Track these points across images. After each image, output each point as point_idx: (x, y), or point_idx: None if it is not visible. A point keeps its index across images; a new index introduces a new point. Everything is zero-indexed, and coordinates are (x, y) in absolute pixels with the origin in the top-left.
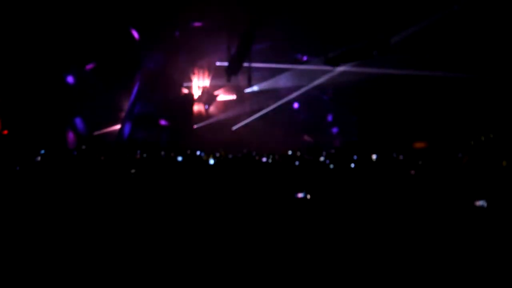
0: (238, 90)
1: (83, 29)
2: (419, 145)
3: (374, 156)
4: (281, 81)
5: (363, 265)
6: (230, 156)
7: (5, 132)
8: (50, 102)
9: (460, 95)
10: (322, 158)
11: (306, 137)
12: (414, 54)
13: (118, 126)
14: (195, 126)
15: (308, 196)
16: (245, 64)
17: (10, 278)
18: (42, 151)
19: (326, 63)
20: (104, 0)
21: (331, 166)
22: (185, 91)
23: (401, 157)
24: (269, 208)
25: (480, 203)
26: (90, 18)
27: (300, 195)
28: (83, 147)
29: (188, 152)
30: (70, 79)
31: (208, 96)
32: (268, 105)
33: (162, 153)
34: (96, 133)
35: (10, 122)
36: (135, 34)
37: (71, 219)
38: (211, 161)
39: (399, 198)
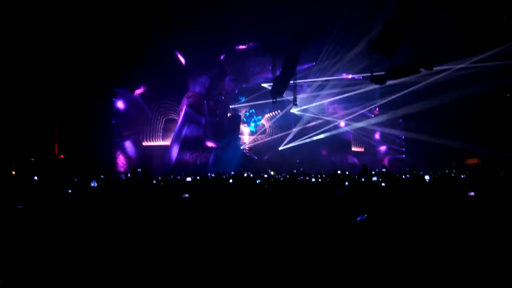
0: (283, 110)
1: (131, 55)
2: (471, 161)
3: (427, 177)
4: (326, 101)
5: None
6: (278, 176)
7: (62, 156)
8: (101, 127)
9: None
10: (374, 178)
11: (353, 156)
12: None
13: (166, 148)
14: (241, 147)
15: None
16: (290, 84)
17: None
18: (101, 176)
19: (372, 81)
20: (150, 27)
21: (383, 184)
22: (231, 113)
23: (453, 174)
24: (332, 233)
25: None
26: (137, 44)
27: (361, 218)
28: (139, 170)
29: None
30: (120, 104)
31: (254, 117)
32: (313, 125)
33: (212, 175)
34: (146, 156)
35: (66, 146)
36: (182, 58)
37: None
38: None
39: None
